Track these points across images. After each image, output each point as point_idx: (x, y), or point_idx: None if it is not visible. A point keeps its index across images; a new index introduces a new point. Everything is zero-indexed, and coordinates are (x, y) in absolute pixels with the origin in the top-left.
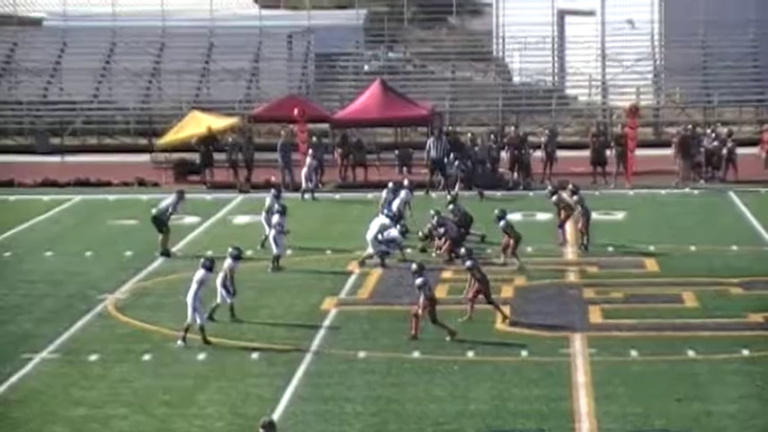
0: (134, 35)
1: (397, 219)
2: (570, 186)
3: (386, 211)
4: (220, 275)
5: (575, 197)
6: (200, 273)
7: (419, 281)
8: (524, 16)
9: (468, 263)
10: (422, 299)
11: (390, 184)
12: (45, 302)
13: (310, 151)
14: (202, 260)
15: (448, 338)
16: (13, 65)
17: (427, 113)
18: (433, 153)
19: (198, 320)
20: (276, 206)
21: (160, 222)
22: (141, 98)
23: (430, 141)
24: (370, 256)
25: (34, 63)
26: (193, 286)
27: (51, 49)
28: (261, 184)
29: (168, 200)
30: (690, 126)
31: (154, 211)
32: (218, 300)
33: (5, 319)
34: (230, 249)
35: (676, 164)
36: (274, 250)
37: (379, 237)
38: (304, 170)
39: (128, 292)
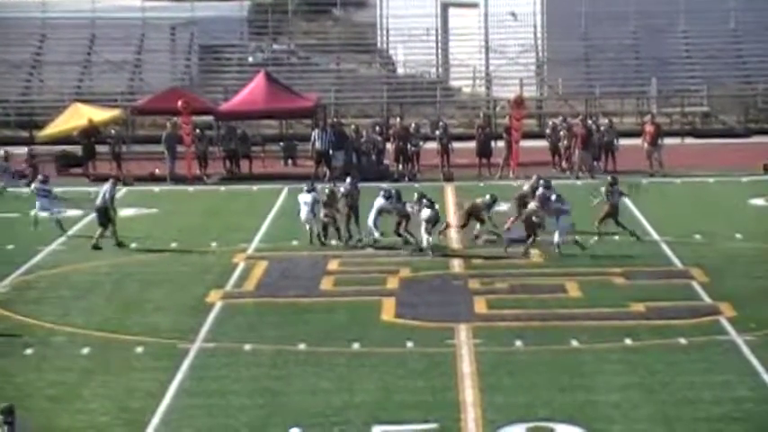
0: (14, 26)
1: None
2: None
3: (382, 192)
4: None
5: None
6: None
7: None
8: (408, 8)
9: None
10: None
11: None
12: None
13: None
14: None
15: None
16: None
17: (312, 105)
18: (318, 145)
19: None
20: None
21: (105, 212)
22: (22, 90)
23: (314, 133)
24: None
25: None
26: None
27: None
28: (145, 176)
29: (104, 188)
30: (591, 118)
31: (98, 202)
32: None
33: None
34: None
35: (574, 155)
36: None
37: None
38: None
39: (9, 285)
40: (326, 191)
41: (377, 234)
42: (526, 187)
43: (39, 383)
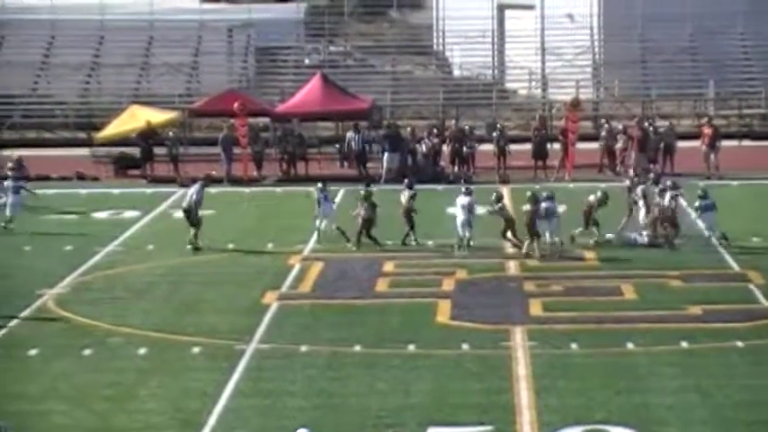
0: (73, 29)
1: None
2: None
3: (464, 189)
4: None
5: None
6: None
7: None
8: (464, 10)
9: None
10: None
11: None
12: None
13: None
14: None
15: None
16: None
17: (368, 107)
18: (353, 146)
19: None
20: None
21: (192, 215)
22: (80, 92)
23: (348, 136)
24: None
25: None
26: None
27: None
28: (202, 178)
29: (192, 190)
30: (648, 120)
31: (184, 204)
32: None
33: None
34: None
35: (630, 158)
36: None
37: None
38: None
39: (68, 286)
40: (361, 192)
41: (467, 233)
42: (639, 191)
43: (96, 384)
